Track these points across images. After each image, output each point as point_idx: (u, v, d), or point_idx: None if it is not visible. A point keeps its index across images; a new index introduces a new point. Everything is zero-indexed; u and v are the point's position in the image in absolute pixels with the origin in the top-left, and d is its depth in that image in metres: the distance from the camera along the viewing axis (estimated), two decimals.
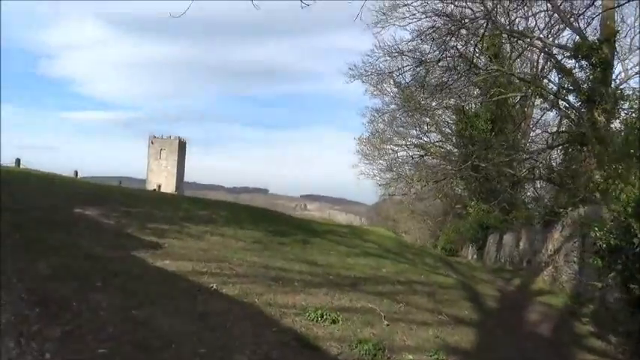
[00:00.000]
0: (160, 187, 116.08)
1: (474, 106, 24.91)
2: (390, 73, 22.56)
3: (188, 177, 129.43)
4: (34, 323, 3.83)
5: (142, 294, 5.30)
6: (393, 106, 28.61)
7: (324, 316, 6.10)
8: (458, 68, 18.46)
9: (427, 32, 17.59)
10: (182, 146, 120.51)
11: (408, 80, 22.32)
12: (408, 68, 20.89)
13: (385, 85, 27.27)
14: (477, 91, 23.94)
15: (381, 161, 33.35)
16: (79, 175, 36.49)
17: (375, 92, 29.19)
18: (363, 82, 25.46)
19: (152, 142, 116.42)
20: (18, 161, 24.55)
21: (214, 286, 6.23)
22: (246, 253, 8.98)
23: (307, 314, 6.04)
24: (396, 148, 31.34)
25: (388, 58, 21.76)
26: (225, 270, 7.27)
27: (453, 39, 16.67)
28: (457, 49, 17.52)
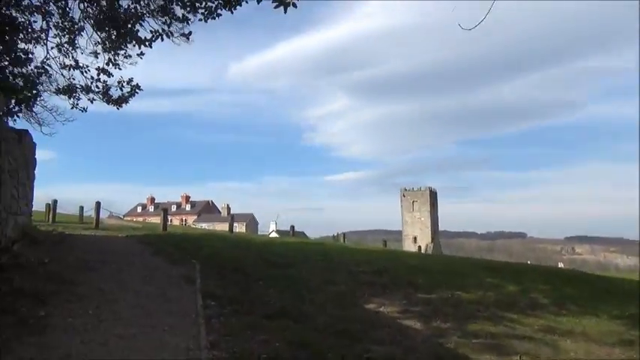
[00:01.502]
0: (415, 238, 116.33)
1: None
2: None
3: (440, 225, 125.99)
4: None
5: None
6: None
7: None
8: None
9: None
10: (433, 196, 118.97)
11: None
12: None
13: None
14: None
15: None
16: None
17: None
18: None
19: (404, 195, 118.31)
20: (292, 228, 25.55)
21: None
22: None
23: None
24: None
25: None
26: None
27: None
28: None
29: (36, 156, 11.36)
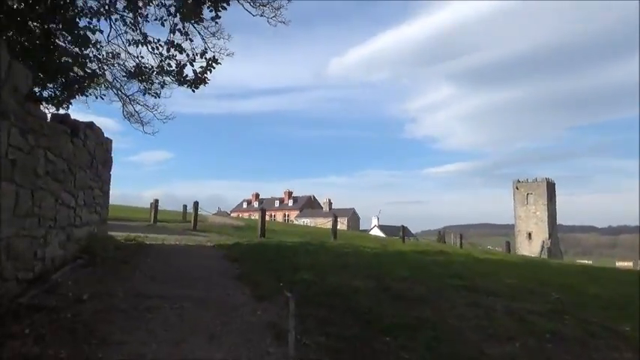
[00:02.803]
0: (530, 234, 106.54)
1: None
2: None
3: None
4: None
5: None
6: None
7: None
8: None
9: None
10: (551, 188, 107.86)
11: None
12: None
13: None
14: None
15: None
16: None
17: None
18: None
19: (517, 188, 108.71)
20: (403, 230, 22.65)
21: None
22: None
23: None
24: None
25: None
26: None
27: None
28: None
29: (112, 154, 9.76)
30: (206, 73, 8.03)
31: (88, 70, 7.73)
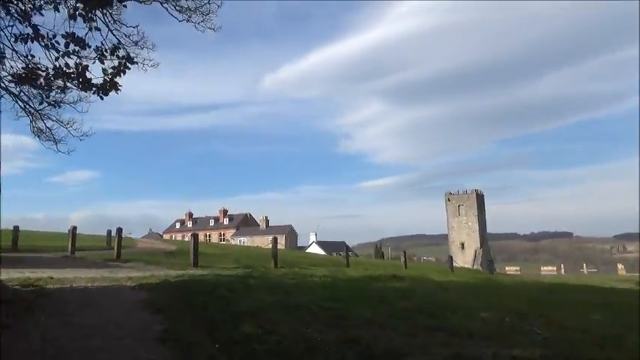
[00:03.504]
0: (463, 244, 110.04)
1: None
2: None
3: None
4: None
5: None
6: None
7: None
8: None
9: None
10: (480, 199, 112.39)
11: None
12: None
13: None
14: None
15: None
16: None
17: None
18: None
19: (449, 200, 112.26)
20: (347, 250, 21.73)
21: None
22: None
23: None
24: None
25: None
26: None
27: None
28: None
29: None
30: (119, 76, 6.44)
31: None
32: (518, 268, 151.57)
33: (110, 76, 6.39)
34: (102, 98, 6.69)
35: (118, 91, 6.69)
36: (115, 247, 19.11)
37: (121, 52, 6.52)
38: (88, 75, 6.41)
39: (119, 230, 19.63)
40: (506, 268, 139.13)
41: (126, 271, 13.64)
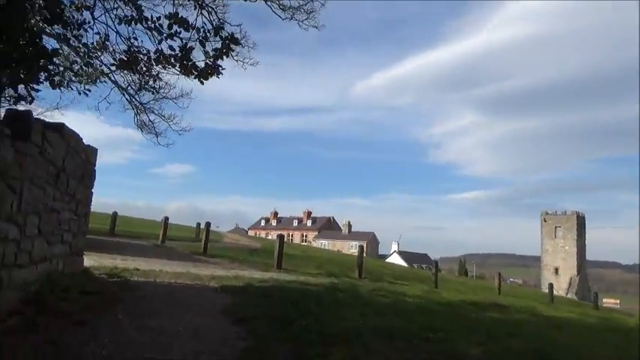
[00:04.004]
0: (557, 269, 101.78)
1: None
2: None
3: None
4: None
5: None
6: None
7: None
8: None
9: None
10: (581, 222, 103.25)
11: None
12: None
13: None
14: None
15: None
16: None
17: None
18: None
19: (545, 220, 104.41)
20: (436, 266, 20.19)
21: None
22: None
23: None
24: None
25: None
26: None
27: None
28: None
29: (96, 166, 7.70)
30: (221, 58, 5.94)
31: (49, 47, 5.72)
32: (618, 301, 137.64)
33: (212, 59, 5.91)
34: (202, 82, 6.24)
35: (220, 75, 6.20)
36: (202, 240, 19.32)
37: (224, 33, 6.02)
38: (190, 57, 5.99)
39: (207, 225, 19.84)
40: (604, 300, 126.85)
41: (211, 268, 13.49)
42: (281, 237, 16.37)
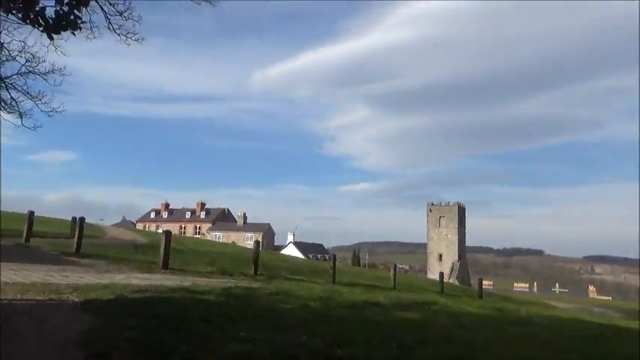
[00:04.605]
0: (441, 256, 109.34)
1: None
2: None
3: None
4: None
5: None
6: None
7: None
8: None
9: None
10: (462, 212, 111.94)
11: None
12: None
13: None
14: None
15: None
16: None
17: None
18: None
19: (430, 210, 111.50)
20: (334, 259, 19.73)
21: None
22: None
23: None
24: None
25: None
26: None
27: None
28: None
29: None
30: (79, 7, 4.35)
31: None
32: (491, 283, 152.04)
33: (67, 6, 4.33)
34: (51, 38, 4.64)
35: (77, 30, 4.63)
36: (74, 237, 16.83)
37: None
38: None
39: (81, 220, 17.35)
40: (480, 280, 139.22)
41: (80, 272, 11.49)
42: (167, 233, 14.66)
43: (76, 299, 6.82)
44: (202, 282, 11.32)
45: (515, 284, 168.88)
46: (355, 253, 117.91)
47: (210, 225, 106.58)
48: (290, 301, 8.32)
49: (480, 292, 25.80)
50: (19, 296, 6.72)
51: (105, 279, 10.35)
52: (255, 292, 8.65)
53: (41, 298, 6.68)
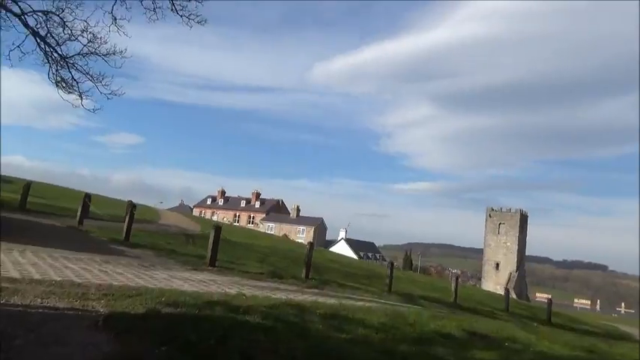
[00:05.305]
0: (498, 265, 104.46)
1: None
2: None
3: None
4: None
5: None
6: None
7: None
8: None
9: None
10: (523, 219, 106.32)
11: None
12: None
13: None
14: None
15: None
16: None
17: None
18: None
19: (490, 216, 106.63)
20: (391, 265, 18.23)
21: None
22: None
23: None
24: None
25: None
26: None
27: None
28: None
29: None
30: None
31: None
32: (550, 296, 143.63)
33: None
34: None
35: None
36: (124, 228, 16.39)
37: None
38: None
39: (132, 207, 16.92)
40: (537, 294, 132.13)
41: (123, 265, 10.78)
42: (217, 229, 13.78)
43: (101, 309, 5.84)
44: (249, 289, 10.28)
45: (576, 300, 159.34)
46: (407, 254, 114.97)
47: (264, 215, 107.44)
48: (347, 328, 7.03)
49: (549, 315, 23.46)
50: (38, 301, 5.84)
51: (145, 277, 9.52)
52: (306, 312, 7.42)
53: (62, 306, 5.75)
